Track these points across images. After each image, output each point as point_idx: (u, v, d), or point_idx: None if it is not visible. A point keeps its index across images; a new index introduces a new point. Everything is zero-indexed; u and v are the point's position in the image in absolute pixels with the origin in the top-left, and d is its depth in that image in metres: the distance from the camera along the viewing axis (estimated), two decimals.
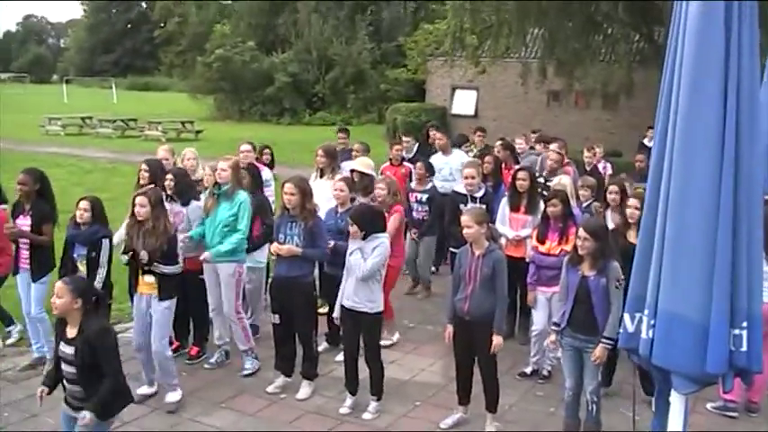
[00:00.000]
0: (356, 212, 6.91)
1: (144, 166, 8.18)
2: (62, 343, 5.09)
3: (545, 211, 7.70)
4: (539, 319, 7.74)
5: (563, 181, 8.54)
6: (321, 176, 9.48)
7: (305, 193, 7.17)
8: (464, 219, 6.46)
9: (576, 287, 6.13)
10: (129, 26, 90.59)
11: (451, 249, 9.15)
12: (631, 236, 6.87)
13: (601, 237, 6.08)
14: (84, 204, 7.03)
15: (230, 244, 7.65)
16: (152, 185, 7.54)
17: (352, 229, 6.69)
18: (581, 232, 6.12)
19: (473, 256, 6.44)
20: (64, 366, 5.10)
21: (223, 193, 7.72)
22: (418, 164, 10.22)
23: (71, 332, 5.05)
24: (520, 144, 12.96)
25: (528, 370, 7.90)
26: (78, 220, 7.05)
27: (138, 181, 8.16)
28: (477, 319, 6.42)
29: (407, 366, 8.03)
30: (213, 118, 41.28)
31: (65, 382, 5.18)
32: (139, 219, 6.73)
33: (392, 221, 8.14)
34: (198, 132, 31.69)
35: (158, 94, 64.56)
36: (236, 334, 7.90)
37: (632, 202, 7.19)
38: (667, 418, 4.51)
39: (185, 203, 7.95)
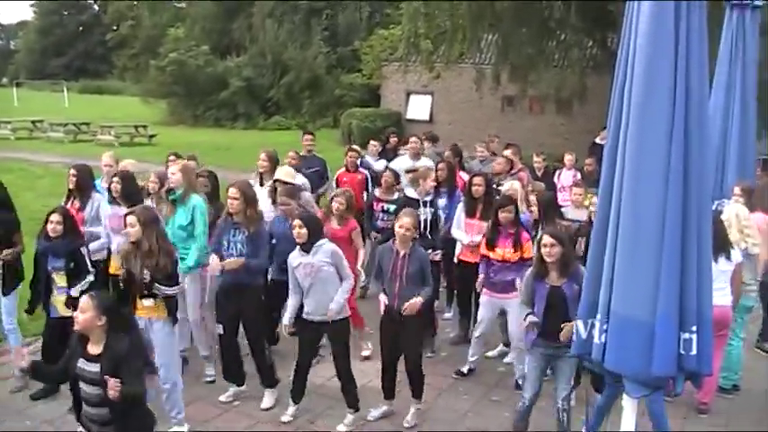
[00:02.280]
0: (306, 216, 6.92)
1: (72, 171, 8.08)
2: (82, 360, 4.78)
3: (495, 217, 7.67)
4: (481, 322, 7.86)
5: (514, 186, 8.59)
6: (261, 184, 9.16)
7: (247, 198, 7.06)
8: (406, 220, 6.62)
9: (547, 297, 6.00)
10: (81, 29, 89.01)
11: None
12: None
13: (565, 242, 6.07)
14: (55, 217, 6.91)
15: (193, 258, 7.42)
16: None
17: (303, 231, 6.64)
18: (546, 239, 6.01)
19: (397, 255, 6.63)
20: (83, 386, 4.78)
21: (177, 198, 7.53)
22: (386, 172, 9.92)
23: (94, 349, 4.77)
24: (481, 151, 12.26)
25: (465, 369, 8.01)
26: (51, 234, 6.89)
27: (68, 186, 8.04)
28: (408, 315, 6.57)
29: (360, 373, 7.99)
30: (166, 122, 40.71)
31: (84, 404, 4.84)
32: (132, 240, 6.30)
33: (356, 238, 8.25)
34: (151, 137, 31.27)
35: (111, 98, 63.47)
36: (199, 339, 7.74)
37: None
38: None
39: (131, 207, 7.64)
